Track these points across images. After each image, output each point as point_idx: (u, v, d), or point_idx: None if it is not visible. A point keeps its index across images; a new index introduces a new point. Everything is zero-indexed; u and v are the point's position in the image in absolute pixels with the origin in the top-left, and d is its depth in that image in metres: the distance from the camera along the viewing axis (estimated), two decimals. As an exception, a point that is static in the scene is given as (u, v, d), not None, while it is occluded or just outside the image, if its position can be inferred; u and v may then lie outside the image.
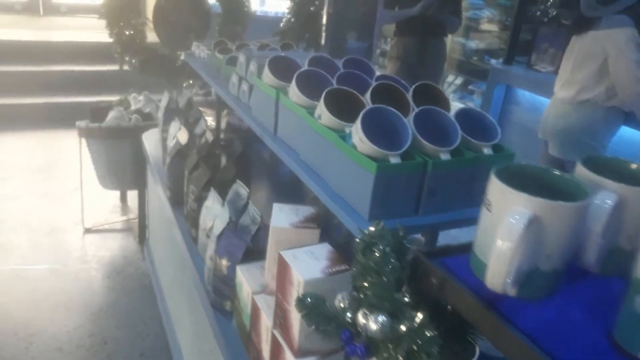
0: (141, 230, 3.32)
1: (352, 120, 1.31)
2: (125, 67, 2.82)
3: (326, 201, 1.26)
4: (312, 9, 3.13)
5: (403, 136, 1.22)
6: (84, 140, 3.22)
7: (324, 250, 1.20)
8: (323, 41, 3.22)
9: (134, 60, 2.72)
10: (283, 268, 1.14)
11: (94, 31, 6.25)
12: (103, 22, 6.61)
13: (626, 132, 3.10)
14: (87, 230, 3.40)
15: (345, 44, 2.81)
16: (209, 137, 2.18)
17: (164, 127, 2.39)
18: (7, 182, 3.91)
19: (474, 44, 5.11)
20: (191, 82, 2.97)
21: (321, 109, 1.32)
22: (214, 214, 1.68)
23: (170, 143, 2.24)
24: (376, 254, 0.68)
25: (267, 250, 1.33)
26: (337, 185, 1.26)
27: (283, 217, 1.31)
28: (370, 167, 1.13)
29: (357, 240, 0.74)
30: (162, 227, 2.51)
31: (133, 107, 3.38)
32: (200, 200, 1.79)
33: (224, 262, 1.48)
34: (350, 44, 2.84)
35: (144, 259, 3.16)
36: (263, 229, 1.59)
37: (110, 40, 2.87)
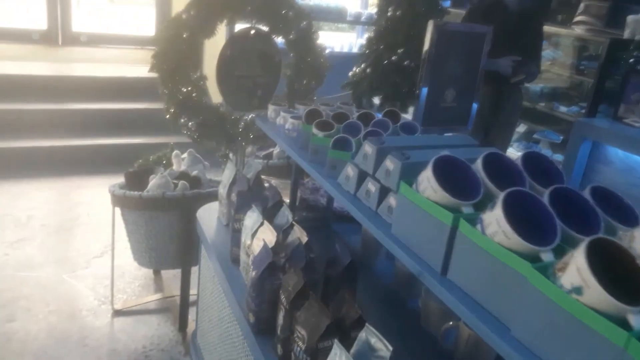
0: (182, 315, 2.79)
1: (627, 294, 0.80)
2: (184, 132, 2.30)
3: None
4: (393, 58, 2.65)
5: None
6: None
7: None
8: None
9: (190, 123, 2.22)
10: None
11: (117, 64, 5.82)
12: (127, 55, 6.22)
13: None
14: (117, 313, 2.87)
15: (442, 103, 2.31)
16: (302, 237, 1.66)
17: (235, 216, 1.87)
18: (24, 246, 3.39)
19: (538, 87, 4.63)
20: (254, 148, 2.47)
21: (585, 279, 0.80)
22: (344, 381, 1.16)
23: (249, 240, 1.72)
24: None
25: None
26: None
27: None
28: None
29: None
30: (226, 339, 1.98)
31: (175, 167, 2.88)
32: (314, 354, 1.26)
33: None
34: (442, 105, 2.34)
35: (187, 353, 2.62)
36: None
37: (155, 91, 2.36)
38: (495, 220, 0.96)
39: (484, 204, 1.09)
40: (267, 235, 1.65)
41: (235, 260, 1.90)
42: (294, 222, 1.77)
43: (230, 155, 2.50)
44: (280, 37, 2.38)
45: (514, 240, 0.93)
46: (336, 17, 6.26)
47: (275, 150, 2.61)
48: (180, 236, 2.52)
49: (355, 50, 6.34)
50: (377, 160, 1.35)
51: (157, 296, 3.03)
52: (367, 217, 1.34)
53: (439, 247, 1.09)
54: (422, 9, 2.52)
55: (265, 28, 2.34)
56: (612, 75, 3.85)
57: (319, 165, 1.65)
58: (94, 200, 4.04)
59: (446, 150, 1.24)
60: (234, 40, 2.28)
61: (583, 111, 4.12)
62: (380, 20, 2.70)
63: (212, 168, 3.06)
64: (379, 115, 1.84)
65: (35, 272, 3.13)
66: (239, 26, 2.46)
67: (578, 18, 4.51)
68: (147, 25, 6.56)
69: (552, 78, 4.64)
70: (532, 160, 1.24)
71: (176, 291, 2.92)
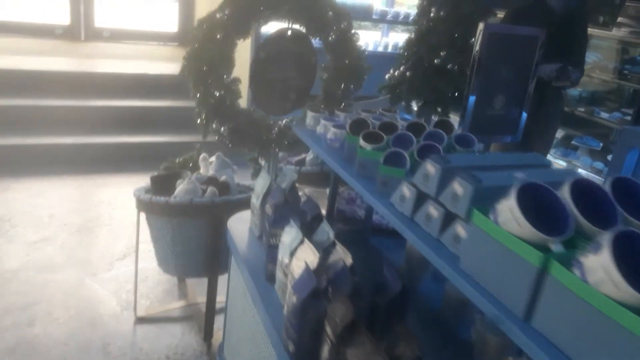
0: (208, 325, 2.67)
1: None
2: (212, 138, 2.17)
3: None
4: (436, 61, 2.50)
5: None
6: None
7: None
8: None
9: (222, 129, 2.09)
10: None
11: (140, 60, 5.73)
12: (149, 51, 6.12)
13: None
14: (139, 320, 2.76)
15: (490, 111, 2.16)
16: (346, 258, 1.53)
17: (271, 231, 1.74)
18: (45, 246, 3.31)
19: (576, 92, 4.43)
20: (285, 154, 2.34)
21: None
22: None
23: (287, 259, 1.60)
24: None
25: None
26: None
27: None
28: None
29: None
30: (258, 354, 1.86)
31: (203, 171, 2.77)
32: (369, 396, 1.13)
33: None
34: (490, 113, 2.19)
35: (211, 366, 2.52)
36: None
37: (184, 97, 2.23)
38: (601, 266, 0.82)
39: (573, 241, 0.95)
40: (308, 256, 1.52)
41: (270, 278, 1.78)
42: (334, 240, 1.64)
43: (262, 162, 2.37)
44: (317, 38, 2.25)
45: (626, 292, 0.79)
46: (362, 15, 6.08)
47: (308, 157, 2.48)
48: (208, 244, 2.40)
49: (380, 49, 6.18)
50: (440, 181, 1.21)
51: (181, 303, 2.93)
52: (428, 246, 1.20)
53: (522, 290, 0.95)
54: (469, 10, 2.36)
55: (302, 29, 2.21)
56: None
57: (366, 181, 1.51)
58: (116, 200, 3.96)
59: (520, 171, 1.09)
60: (268, 42, 2.15)
61: (627, 118, 3.92)
62: (421, 21, 2.54)
63: (240, 170, 2.95)
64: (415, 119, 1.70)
65: (57, 275, 3.05)
66: (268, 26, 2.34)
67: (619, 20, 4.30)
68: (169, 21, 6.47)
69: (591, 82, 4.44)
70: (620, 186, 1.09)
71: (201, 298, 2.82)
